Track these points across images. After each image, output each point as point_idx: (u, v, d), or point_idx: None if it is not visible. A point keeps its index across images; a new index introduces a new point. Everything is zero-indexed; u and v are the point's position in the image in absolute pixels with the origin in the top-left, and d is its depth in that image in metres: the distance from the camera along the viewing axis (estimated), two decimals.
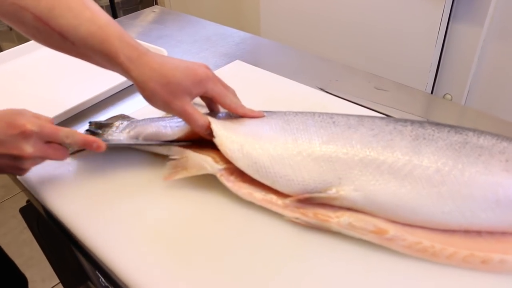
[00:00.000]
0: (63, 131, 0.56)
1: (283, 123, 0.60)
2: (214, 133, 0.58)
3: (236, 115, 0.63)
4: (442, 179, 0.50)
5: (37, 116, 0.56)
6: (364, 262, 0.49)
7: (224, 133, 0.58)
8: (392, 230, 0.49)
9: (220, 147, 0.57)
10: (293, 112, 0.62)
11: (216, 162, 0.58)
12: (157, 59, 0.57)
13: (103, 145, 0.58)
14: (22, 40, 2.29)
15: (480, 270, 0.47)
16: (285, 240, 0.52)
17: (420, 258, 0.49)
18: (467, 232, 0.50)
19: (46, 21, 0.56)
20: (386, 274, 0.48)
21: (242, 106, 0.62)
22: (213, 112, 0.66)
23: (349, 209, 0.52)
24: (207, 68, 0.60)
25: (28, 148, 0.54)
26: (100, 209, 0.58)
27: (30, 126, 0.53)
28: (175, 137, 0.63)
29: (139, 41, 0.96)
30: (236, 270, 0.49)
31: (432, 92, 1.33)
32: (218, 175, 0.57)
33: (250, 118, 0.62)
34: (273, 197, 0.55)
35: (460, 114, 0.80)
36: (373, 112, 0.75)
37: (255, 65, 0.89)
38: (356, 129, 0.56)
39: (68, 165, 0.66)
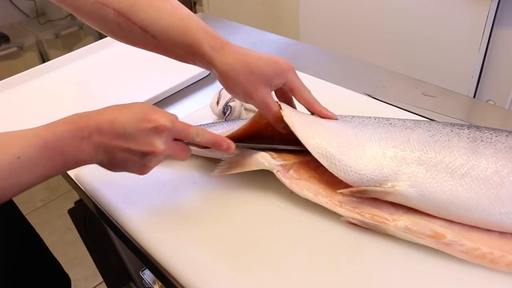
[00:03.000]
0: (194, 128, 0.54)
1: (342, 121, 0.61)
2: (282, 107, 0.58)
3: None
4: (500, 181, 0.50)
5: (165, 112, 0.53)
6: (421, 267, 0.49)
7: (292, 111, 0.59)
8: (449, 235, 0.50)
9: (286, 118, 0.57)
10: (349, 115, 0.63)
11: (273, 158, 0.59)
12: (239, 49, 0.59)
13: (233, 146, 0.56)
14: (66, 48, 2.37)
15: None
16: (342, 242, 0.53)
17: (478, 264, 0.49)
18: None
19: (128, 16, 0.59)
20: (444, 280, 0.48)
21: (319, 103, 0.63)
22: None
23: (405, 211, 0.53)
24: (287, 60, 0.60)
25: (160, 145, 0.51)
26: (156, 211, 0.60)
27: (163, 120, 0.51)
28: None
29: None
30: (292, 275, 0.50)
31: (474, 97, 1.32)
32: (275, 171, 0.58)
33: (326, 118, 0.62)
34: (330, 196, 0.56)
35: (505, 118, 0.79)
36: (422, 118, 0.75)
37: (300, 71, 0.90)
38: (413, 130, 0.57)
39: None
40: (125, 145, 0.50)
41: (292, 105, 0.65)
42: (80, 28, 2.40)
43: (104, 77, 0.99)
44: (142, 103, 0.52)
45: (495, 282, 0.47)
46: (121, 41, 0.64)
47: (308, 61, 1.00)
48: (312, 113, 0.63)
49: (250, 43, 1.08)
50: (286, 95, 0.64)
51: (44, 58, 2.35)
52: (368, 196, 0.54)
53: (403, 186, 0.52)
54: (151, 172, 0.56)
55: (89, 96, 0.93)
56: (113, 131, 0.50)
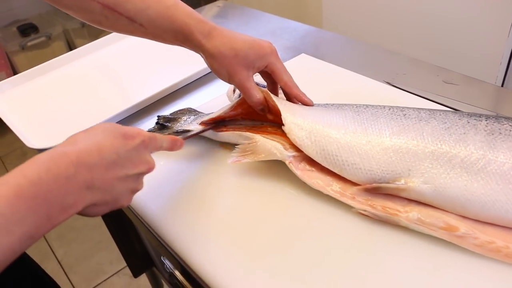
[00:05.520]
0: (159, 136, 0.53)
1: (353, 113, 0.60)
2: (284, 121, 0.60)
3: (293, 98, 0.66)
4: None
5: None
6: (433, 259, 0.49)
7: (292, 120, 0.60)
8: (463, 227, 0.49)
9: (288, 135, 0.59)
10: (363, 104, 0.62)
11: (286, 149, 0.59)
12: (226, 33, 0.61)
13: (180, 141, 0.57)
14: (92, 37, 2.41)
15: None
16: (353, 233, 0.53)
17: (493, 258, 0.48)
18: None
19: (113, 7, 0.59)
20: (456, 273, 0.47)
21: (297, 87, 0.65)
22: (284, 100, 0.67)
23: (418, 203, 0.52)
24: (272, 44, 0.63)
25: (151, 158, 0.49)
26: (171, 198, 0.61)
27: (143, 132, 0.48)
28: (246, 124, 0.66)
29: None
30: (304, 263, 0.50)
31: (502, 86, 1.28)
32: (287, 162, 0.58)
33: (302, 102, 0.65)
34: (342, 187, 0.55)
35: None
36: (441, 106, 0.73)
37: (320, 59, 0.89)
38: (428, 122, 0.56)
39: None
40: (123, 172, 0.45)
41: (276, 88, 0.68)
42: None
43: (127, 64, 1.01)
44: (103, 124, 0.47)
45: (509, 276, 0.46)
46: (107, 30, 0.65)
47: (327, 48, 0.98)
48: (290, 99, 0.66)
49: (268, 30, 1.07)
50: (271, 78, 0.66)
51: (71, 47, 2.39)
52: (381, 193, 0.53)
53: (416, 183, 0.51)
54: (165, 163, 0.58)
55: (114, 80, 0.96)
56: (106, 162, 0.43)
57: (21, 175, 0.38)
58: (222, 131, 0.66)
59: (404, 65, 0.88)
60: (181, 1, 0.62)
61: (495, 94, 0.80)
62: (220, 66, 0.61)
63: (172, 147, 0.55)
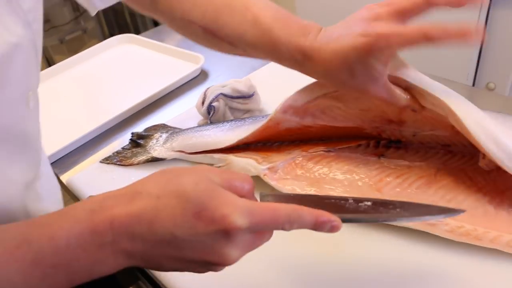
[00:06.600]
0: (284, 216, 0.35)
1: None
2: (464, 121, 0.50)
3: None
4: None
5: (237, 200, 0.35)
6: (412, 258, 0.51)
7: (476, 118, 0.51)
8: None
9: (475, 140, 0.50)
10: None
11: (259, 163, 0.60)
12: (330, 33, 0.50)
13: (340, 225, 0.37)
14: (72, 52, 2.40)
15: None
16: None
17: (465, 242, 0.50)
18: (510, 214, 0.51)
19: (214, 32, 0.56)
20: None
21: None
22: None
23: (390, 196, 0.54)
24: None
25: (233, 253, 0.35)
26: None
27: (236, 219, 0.33)
28: (217, 146, 0.64)
29: (176, 47, 1.00)
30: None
31: (474, 82, 1.30)
32: (262, 176, 0.59)
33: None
34: (316, 191, 0.57)
35: (504, 105, 0.78)
36: None
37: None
38: None
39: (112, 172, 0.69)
40: (176, 254, 0.35)
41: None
42: (84, 32, 2.43)
43: (106, 78, 1.01)
44: (188, 177, 0.35)
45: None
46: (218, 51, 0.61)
47: None
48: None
49: None
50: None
51: (50, 64, 2.39)
52: None
53: None
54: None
55: (92, 96, 0.95)
56: (154, 238, 0.34)
57: (48, 235, 0.33)
58: (195, 154, 0.67)
59: None
60: (278, 18, 0.53)
61: (466, 94, 0.81)
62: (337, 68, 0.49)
63: (318, 229, 0.37)
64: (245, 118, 0.68)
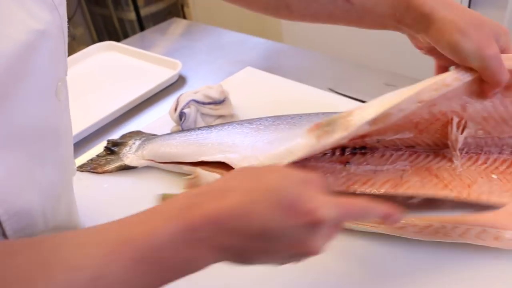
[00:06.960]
0: (360, 206, 0.39)
1: None
2: None
3: None
4: None
5: (317, 184, 0.38)
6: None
7: None
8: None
9: None
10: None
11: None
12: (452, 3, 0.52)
13: (400, 218, 0.41)
14: None
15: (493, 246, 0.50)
16: None
17: (435, 240, 0.51)
18: None
19: None
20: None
21: None
22: None
23: None
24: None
25: (319, 244, 0.37)
26: None
27: (324, 212, 0.35)
28: (184, 159, 0.64)
29: (154, 54, 1.01)
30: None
31: None
32: None
33: None
34: None
35: None
36: None
37: (270, 70, 0.90)
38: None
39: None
40: (266, 247, 0.36)
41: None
42: (72, 39, 2.43)
43: (85, 86, 0.99)
44: (278, 172, 0.39)
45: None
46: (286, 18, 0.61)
47: (276, 60, 1.01)
48: None
49: (218, 45, 1.08)
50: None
51: None
52: None
53: None
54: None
55: (70, 104, 0.93)
56: (246, 231, 0.35)
57: (144, 234, 0.33)
58: (164, 163, 0.67)
59: (349, 71, 0.91)
60: None
61: None
62: (462, 37, 0.49)
63: (385, 221, 0.41)
64: (212, 126, 0.69)
